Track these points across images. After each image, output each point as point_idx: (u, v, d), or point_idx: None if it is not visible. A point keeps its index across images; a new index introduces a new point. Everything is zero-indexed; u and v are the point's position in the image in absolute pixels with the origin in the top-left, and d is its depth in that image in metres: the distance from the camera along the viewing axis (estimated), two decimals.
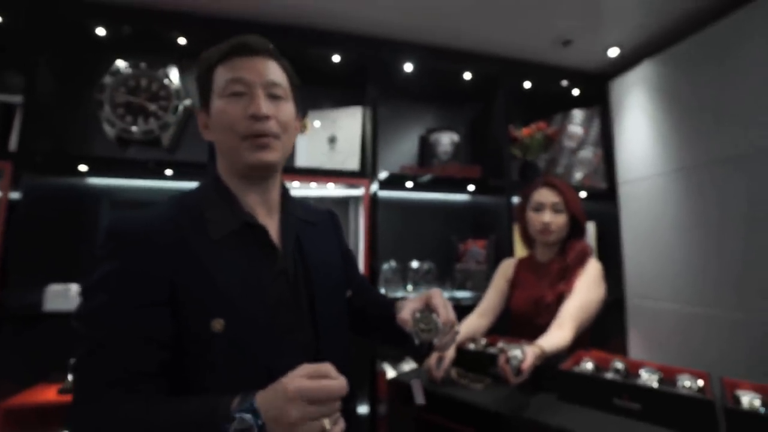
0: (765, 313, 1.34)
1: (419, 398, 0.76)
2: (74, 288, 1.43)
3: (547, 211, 1.26)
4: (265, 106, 0.63)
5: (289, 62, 0.71)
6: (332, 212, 0.86)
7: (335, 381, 0.48)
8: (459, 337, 1.15)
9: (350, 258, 0.87)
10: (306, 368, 0.49)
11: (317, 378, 0.47)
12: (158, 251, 0.57)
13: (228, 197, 0.67)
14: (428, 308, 0.66)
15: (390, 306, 0.74)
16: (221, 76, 0.65)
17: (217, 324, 0.56)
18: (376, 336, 0.83)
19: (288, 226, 0.71)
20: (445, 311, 0.65)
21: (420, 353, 0.66)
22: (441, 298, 0.67)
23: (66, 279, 1.47)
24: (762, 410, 0.67)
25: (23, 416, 1.35)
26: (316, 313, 0.67)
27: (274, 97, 0.66)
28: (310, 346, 0.66)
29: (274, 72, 0.67)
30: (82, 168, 1.54)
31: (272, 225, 0.70)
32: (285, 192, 0.75)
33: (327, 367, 0.49)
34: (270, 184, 0.70)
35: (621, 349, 1.89)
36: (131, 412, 0.50)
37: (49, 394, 1.37)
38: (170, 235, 0.59)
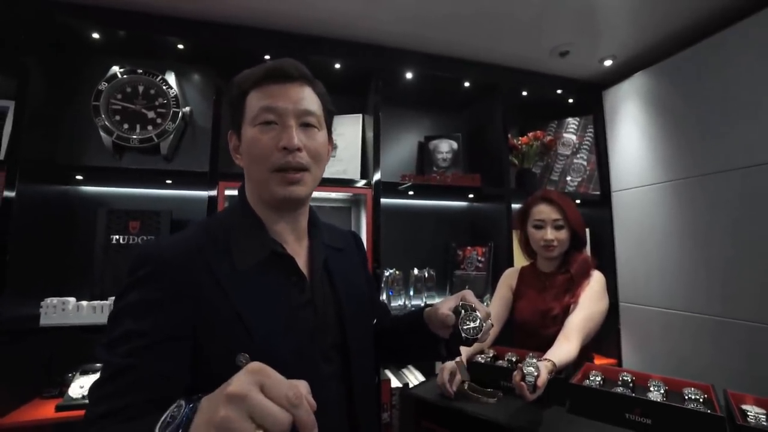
0: (752, 319, 1.40)
1: (464, 375, 0.79)
2: (71, 302, 1.39)
3: (548, 228, 1.28)
4: (297, 138, 0.62)
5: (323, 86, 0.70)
6: (355, 234, 0.86)
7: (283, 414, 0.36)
8: (469, 348, 1.18)
9: (373, 284, 0.88)
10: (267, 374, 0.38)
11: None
12: (184, 282, 0.56)
13: (256, 224, 0.66)
14: (464, 305, 0.68)
15: (417, 314, 0.75)
16: (254, 102, 0.64)
17: (243, 359, 0.56)
18: (404, 352, 0.84)
19: (317, 254, 0.70)
20: (481, 306, 0.68)
21: (456, 349, 0.70)
22: (473, 296, 0.70)
23: (63, 291, 1.42)
24: None
25: None
26: (347, 339, 0.67)
27: (306, 126, 0.65)
28: (340, 376, 0.66)
29: (309, 99, 0.66)
30: (78, 176, 1.49)
31: (301, 252, 0.70)
32: (312, 217, 0.74)
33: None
34: (299, 213, 0.70)
35: (615, 351, 1.95)
36: None
37: (46, 411, 1.33)
38: (195, 266, 0.58)
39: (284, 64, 0.65)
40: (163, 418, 0.38)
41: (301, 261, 0.68)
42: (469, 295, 0.69)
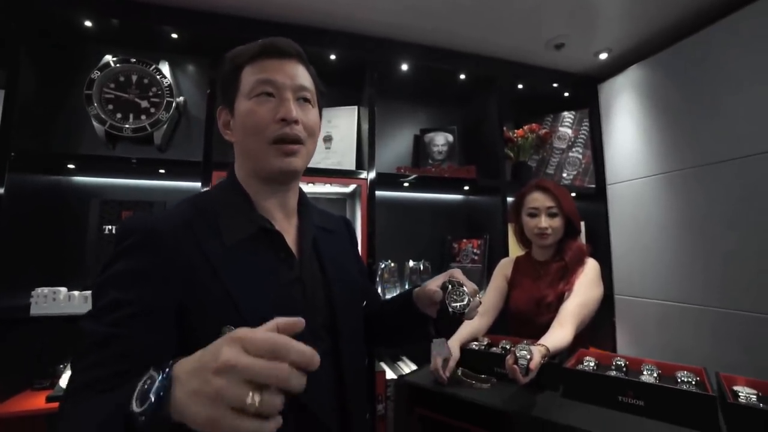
0: (748, 309, 1.40)
1: (445, 352, 0.78)
2: (63, 291, 1.37)
3: (542, 216, 1.28)
4: (294, 110, 0.63)
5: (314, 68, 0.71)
6: (347, 220, 0.86)
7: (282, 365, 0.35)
8: (462, 336, 1.18)
9: (363, 268, 0.88)
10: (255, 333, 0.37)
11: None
12: (172, 254, 0.56)
13: (245, 201, 0.66)
14: (451, 282, 0.68)
15: (406, 294, 0.75)
16: (249, 76, 0.64)
17: (228, 331, 0.55)
18: (390, 333, 0.83)
19: (306, 233, 0.70)
20: (469, 283, 0.67)
21: (446, 327, 0.68)
22: (462, 274, 0.69)
23: (54, 281, 1.41)
24: (760, 405, 0.71)
25: (8, 427, 1.29)
26: (336, 321, 0.67)
27: (302, 102, 0.66)
28: (329, 355, 0.65)
29: (303, 76, 0.67)
30: (70, 166, 1.48)
31: (290, 230, 0.69)
32: (302, 197, 0.74)
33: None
34: (289, 189, 0.69)
35: (610, 344, 1.95)
36: (80, 407, 0.46)
37: (37, 401, 1.32)
38: (183, 239, 0.57)
39: (279, 41, 0.66)
40: (136, 391, 0.38)
41: (290, 239, 0.68)
42: (457, 272, 0.69)
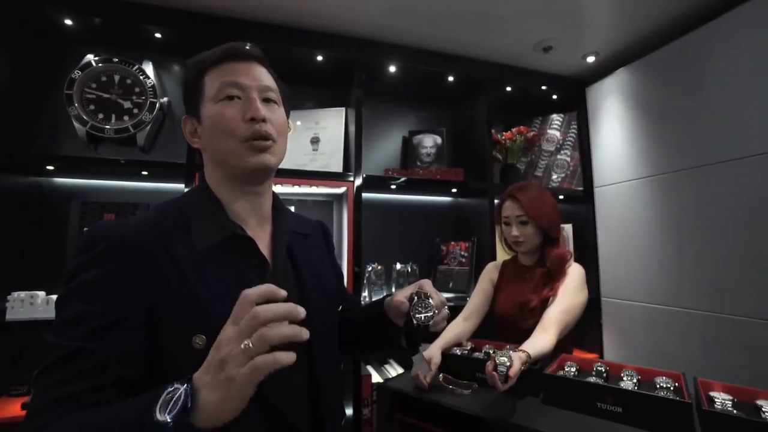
0: (735, 313, 1.40)
1: (424, 369, 0.77)
2: (41, 295, 1.35)
3: (513, 225, 1.29)
4: (262, 109, 0.63)
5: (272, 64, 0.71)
6: (323, 224, 0.85)
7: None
8: (445, 340, 1.18)
9: (339, 273, 0.87)
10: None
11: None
12: (139, 262, 0.55)
13: (216, 206, 0.65)
14: (418, 293, 0.67)
15: (378, 303, 0.75)
16: (214, 80, 0.64)
17: (199, 340, 0.54)
18: (364, 342, 0.82)
19: (280, 238, 0.69)
20: (437, 294, 0.67)
21: (414, 339, 0.68)
22: (431, 285, 0.69)
23: (32, 286, 1.38)
24: (734, 412, 0.71)
25: None
26: (309, 328, 0.65)
27: (268, 102, 0.66)
28: (302, 361, 0.64)
29: (267, 77, 0.67)
30: (50, 167, 1.45)
31: (263, 236, 0.68)
32: (277, 202, 0.73)
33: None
34: (262, 193, 0.69)
35: (597, 346, 1.96)
36: (75, 420, 0.46)
37: (12, 408, 1.29)
38: (153, 245, 0.56)
39: (241, 46, 0.66)
40: (160, 401, 0.42)
41: (263, 245, 0.67)
42: (426, 284, 0.69)
